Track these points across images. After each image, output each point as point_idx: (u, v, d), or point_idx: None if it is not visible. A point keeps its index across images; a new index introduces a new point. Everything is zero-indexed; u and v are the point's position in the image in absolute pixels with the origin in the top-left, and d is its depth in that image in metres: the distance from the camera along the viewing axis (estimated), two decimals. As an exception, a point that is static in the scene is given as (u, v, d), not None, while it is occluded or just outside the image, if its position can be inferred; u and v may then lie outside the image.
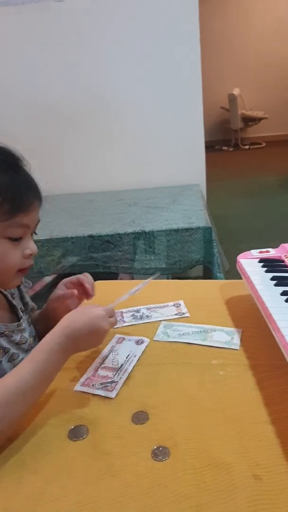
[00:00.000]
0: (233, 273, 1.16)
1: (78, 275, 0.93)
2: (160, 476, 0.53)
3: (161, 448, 0.57)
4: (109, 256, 1.81)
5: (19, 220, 0.71)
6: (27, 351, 0.80)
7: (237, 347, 0.77)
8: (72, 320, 0.69)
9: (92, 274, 1.01)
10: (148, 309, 0.95)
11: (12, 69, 2.33)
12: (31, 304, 0.94)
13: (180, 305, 0.95)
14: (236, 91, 6.40)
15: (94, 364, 0.76)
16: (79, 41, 2.27)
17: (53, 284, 2.31)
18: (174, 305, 0.95)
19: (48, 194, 2.75)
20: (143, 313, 0.93)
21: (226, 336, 0.81)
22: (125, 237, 1.77)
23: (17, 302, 0.86)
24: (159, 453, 0.56)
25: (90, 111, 2.39)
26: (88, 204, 2.25)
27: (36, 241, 1.88)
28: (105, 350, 0.80)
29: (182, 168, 2.42)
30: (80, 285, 0.90)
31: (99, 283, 1.13)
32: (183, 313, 0.91)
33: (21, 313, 0.84)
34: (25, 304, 0.91)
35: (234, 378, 0.69)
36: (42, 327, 0.90)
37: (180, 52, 2.24)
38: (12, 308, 0.84)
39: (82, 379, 0.72)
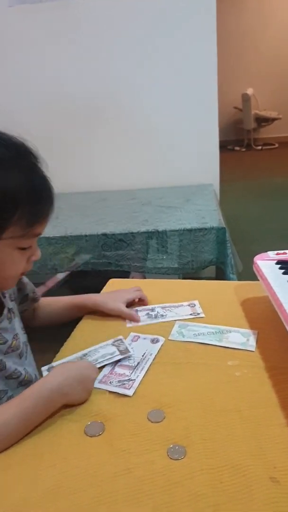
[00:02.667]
0: (246, 274, 1.16)
1: (140, 294, 0.97)
2: (176, 475, 0.53)
3: (177, 447, 0.58)
4: (121, 255, 1.81)
5: (35, 231, 0.67)
6: (5, 353, 0.75)
7: (253, 349, 0.77)
8: (63, 371, 0.68)
9: (104, 272, 1.03)
10: (163, 308, 0.95)
11: (28, 66, 2.35)
12: (32, 294, 0.92)
13: (195, 305, 0.95)
14: (249, 91, 6.37)
15: (114, 358, 0.76)
16: (96, 39, 2.28)
17: (66, 281, 2.33)
18: (189, 305, 0.95)
19: (62, 192, 2.78)
20: (157, 312, 0.94)
21: (242, 338, 0.81)
22: (138, 236, 1.77)
23: (5, 301, 0.80)
24: (175, 452, 0.57)
25: (105, 109, 2.39)
26: (102, 203, 2.26)
27: (50, 238, 1.90)
28: (121, 348, 0.81)
29: (195, 168, 2.41)
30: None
31: (113, 281, 1.14)
32: (198, 313, 0.91)
33: (6, 312, 0.78)
34: (23, 297, 0.89)
35: (250, 380, 0.69)
36: (68, 314, 0.94)
37: (197, 51, 2.23)
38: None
39: (99, 377, 0.72)
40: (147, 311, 0.95)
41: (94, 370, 0.71)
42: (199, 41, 2.21)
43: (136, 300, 0.98)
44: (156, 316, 0.92)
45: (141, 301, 0.98)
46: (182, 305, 0.96)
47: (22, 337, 0.83)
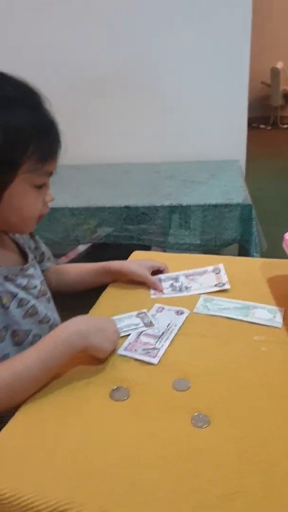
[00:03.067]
0: (270, 255, 1.14)
1: (165, 266, 0.99)
2: (200, 443, 0.54)
3: (201, 416, 0.58)
4: (143, 229, 1.80)
5: (48, 168, 0.70)
6: (37, 297, 0.79)
7: (280, 325, 0.77)
8: (83, 318, 0.70)
9: (125, 246, 1.02)
10: (186, 276, 0.95)
11: (52, 36, 2.29)
12: (48, 253, 0.95)
13: (220, 271, 0.94)
14: (279, 65, 6.14)
15: (138, 330, 0.77)
16: (121, 5, 2.20)
17: (87, 253, 2.34)
18: (213, 271, 0.94)
19: (85, 164, 2.76)
20: (182, 282, 0.93)
21: (268, 314, 0.80)
22: (161, 210, 1.75)
23: (28, 251, 0.84)
24: (199, 420, 0.57)
25: (130, 80, 2.34)
26: (125, 175, 2.24)
27: (73, 209, 1.89)
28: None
29: (222, 143, 2.36)
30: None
31: (137, 253, 1.13)
32: (223, 284, 0.90)
33: (30, 259, 0.82)
34: (41, 254, 0.92)
35: (277, 355, 0.69)
36: (92, 280, 0.95)
37: (230, 20, 2.15)
38: (23, 255, 0.83)
39: (125, 344, 0.73)
40: (171, 281, 0.94)
41: (113, 324, 0.73)
42: (233, 8, 2.12)
43: (161, 269, 0.98)
44: (180, 289, 0.92)
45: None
46: (206, 271, 0.95)
47: (46, 284, 0.86)
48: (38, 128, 0.66)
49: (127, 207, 1.78)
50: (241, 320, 0.79)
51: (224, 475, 0.49)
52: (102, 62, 2.31)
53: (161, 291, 0.91)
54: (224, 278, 0.92)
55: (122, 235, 1.82)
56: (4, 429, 0.58)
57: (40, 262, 0.91)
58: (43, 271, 0.92)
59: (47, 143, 0.68)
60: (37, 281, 0.81)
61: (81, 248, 2.27)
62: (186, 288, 0.92)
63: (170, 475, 0.50)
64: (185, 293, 0.90)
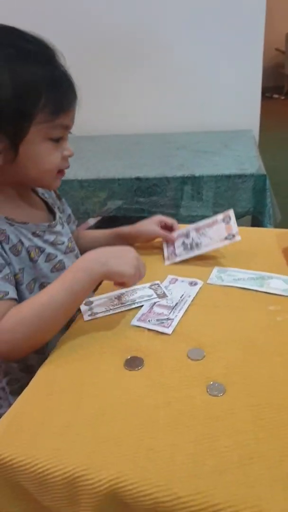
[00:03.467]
0: (284, 226, 1.12)
1: (174, 222, 0.99)
2: (216, 410, 0.54)
3: (216, 384, 0.58)
4: (155, 201, 1.78)
5: (62, 121, 0.71)
6: (65, 253, 0.82)
7: None
8: (102, 249, 0.73)
9: (136, 219, 1.02)
10: (197, 231, 0.94)
11: (58, 3, 2.22)
12: (73, 217, 0.98)
13: (230, 219, 0.92)
14: (295, 31, 5.91)
15: (152, 301, 0.77)
16: None
17: (97, 227, 2.34)
18: (223, 220, 0.93)
19: (95, 135, 2.71)
20: (192, 239, 0.93)
21: (284, 284, 0.79)
22: (172, 181, 1.72)
23: (55, 209, 0.87)
24: (215, 389, 0.57)
25: (140, 48, 2.26)
26: (135, 146, 2.19)
27: (82, 181, 1.87)
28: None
29: (234, 112, 2.29)
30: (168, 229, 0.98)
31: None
32: (233, 236, 0.88)
33: (58, 217, 0.85)
34: (68, 217, 0.95)
35: (292, 325, 0.68)
36: (109, 244, 0.93)
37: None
38: (51, 213, 0.86)
39: (138, 315, 0.73)
40: (182, 239, 0.94)
41: (133, 252, 0.74)
42: None
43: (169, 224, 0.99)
44: (191, 247, 0.91)
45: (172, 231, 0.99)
46: (216, 221, 0.93)
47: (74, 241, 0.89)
48: (49, 81, 0.68)
49: (137, 179, 1.75)
50: (256, 291, 0.78)
51: (240, 441, 0.49)
52: (110, 27, 2.23)
53: (173, 241, 0.93)
54: (234, 227, 0.90)
55: (133, 208, 1.79)
56: (20, 398, 0.59)
57: (66, 224, 0.93)
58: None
59: (59, 96, 0.69)
60: (65, 238, 0.84)
61: (91, 221, 2.26)
62: (197, 245, 0.91)
63: (187, 440, 0.50)
64: (196, 252, 0.90)
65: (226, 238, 0.88)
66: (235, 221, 0.91)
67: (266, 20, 2.17)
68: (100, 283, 0.81)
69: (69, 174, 1.79)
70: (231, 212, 0.93)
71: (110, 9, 2.20)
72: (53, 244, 0.80)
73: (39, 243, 0.78)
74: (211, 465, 0.47)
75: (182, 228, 0.98)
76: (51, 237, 0.80)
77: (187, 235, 0.94)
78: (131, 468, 0.47)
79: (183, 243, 0.93)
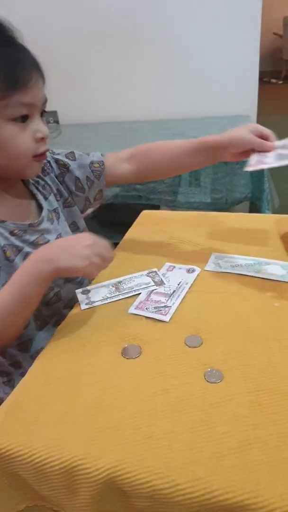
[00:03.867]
0: (282, 211, 1.11)
1: (270, 132, 0.80)
2: (214, 397, 0.54)
3: (214, 371, 0.58)
4: (152, 188, 1.77)
5: (19, 98, 0.66)
6: None
7: None
8: (51, 243, 0.69)
9: (133, 206, 0.99)
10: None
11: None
12: (87, 171, 0.86)
13: None
14: (292, 14, 5.83)
15: (149, 288, 0.76)
16: None
17: (94, 215, 2.32)
18: None
19: (91, 122, 2.69)
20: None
21: (281, 270, 0.78)
22: (170, 168, 1.71)
23: (46, 203, 0.81)
24: (213, 376, 0.57)
25: (135, 32, 2.23)
26: (132, 133, 2.17)
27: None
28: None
29: (232, 98, 2.26)
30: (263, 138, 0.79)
31: (145, 213, 1.11)
32: None
33: (45, 213, 0.79)
34: (70, 192, 0.86)
35: (290, 310, 0.68)
36: (181, 161, 0.85)
37: None
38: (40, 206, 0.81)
39: (135, 303, 0.72)
40: (277, 151, 0.78)
41: (86, 238, 0.67)
42: None
43: (263, 133, 0.80)
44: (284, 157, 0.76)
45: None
46: None
47: (65, 232, 0.83)
48: (1, 60, 0.64)
49: (134, 166, 1.73)
50: (253, 277, 0.77)
51: (238, 427, 0.49)
52: (105, 10, 2.19)
53: (270, 150, 0.77)
54: None
55: (130, 195, 1.78)
56: (18, 387, 0.58)
57: (91, 187, 0.87)
58: (100, 191, 0.88)
59: (11, 71, 0.64)
60: (52, 236, 0.79)
61: (88, 210, 2.24)
62: None
63: (185, 427, 0.50)
64: (286, 161, 0.74)
65: None
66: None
67: (264, 5, 2.13)
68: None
69: (65, 163, 1.78)
70: None
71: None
72: (33, 244, 0.75)
73: (17, 242, 0.73)
74: (209, 451, 0.47)
75: (281, 140, 0.81)
76: (32, 237, 0.76)
77: (284, 147, 0.79)
78: (129, 456, 0.47)
79: (278, 154, 0.77)
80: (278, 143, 0.80)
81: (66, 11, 2.21)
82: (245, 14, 2.11)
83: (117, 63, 2.31)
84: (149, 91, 2.35)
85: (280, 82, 6.40)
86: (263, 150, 0.77)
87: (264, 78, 6.29)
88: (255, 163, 0.77)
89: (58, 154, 0.86)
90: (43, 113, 0.73)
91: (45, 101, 0.72)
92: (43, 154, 0.73)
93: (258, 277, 0.77)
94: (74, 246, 0.65)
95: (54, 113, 2.37)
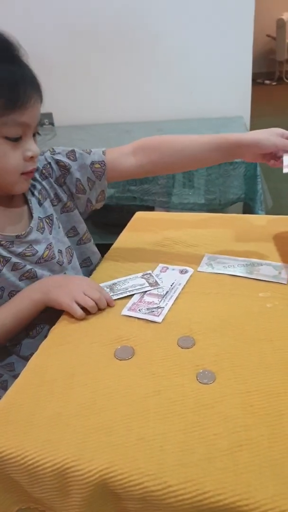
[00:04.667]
0: (276, 211, 1.12)
1: None
2: (206, 398, 0.54)
3: (206, 372, 0.58)
4: (146, 189, 1.77)
5: (16, 118, 0.66)
6: (37, 263, 0.77)
7: (285, 282, 0.75)
8: (52, 277, 0.78)
9: (128, 207, 0.99)
10: None
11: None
12: (88, 172, 0.84)
13: None
14: (286, 16, 5.85)
15: (144, 289, 0.76)
16: None
17: (89, 217, 2.32)
18: None
19: (85, 124, 2.68)
20: None
21: (274, 271, 0.79)
22: (164, 169, 1.71)
23: (39, 210, 0.80)
24: (205, 377, 0.57)
25: (129, 34, 2.23)
26: (126, 135, 2.17)
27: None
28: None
29: (225, 99, 2.27)
30: None
31: (139, 214, 1.11)
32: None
33: (32, 225, 0.78)
34: (88, 176, 0.83)
35: (282, 311, 0.68)
36: (196, 155, 0.82)
37: None
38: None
39: (128, 304, 0.73)
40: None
41: (79, 281, 0.75)
42: None
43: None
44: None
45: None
46: None
47: (61, 245, 0.83)
48: (3, 79, 0.65)
49: (129, 168, 1.73)
50: (245, 278, 0.78)
51: (230, 428, 0.49)
52: (98, 13, 2.19)
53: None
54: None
55: (125, 196, 1.78)
56: (10, 390, 0.58)
57: (92, 188, 0.85)
58: (102, 191, 0.87)
59: (11, 91, 0.65)
60: (41, 247, 0.78)
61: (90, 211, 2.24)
62: None
63: (177, 429, 0.50)
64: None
65: None
66: None
67: (257, 7, 2.14)
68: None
69: (60, 164, 1.77)
70: None
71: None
72: (20, 255, 0.76)
73: (4, 253, 0.74)
74: (201, 453, 0.47)
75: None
76: (19, 249, 0.76)
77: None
78: (121, 458, 0.47)
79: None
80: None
81: (61, 13, 2.21)
82: (238, 16, 2.12)
83: (111, 65, 2.31)
84: (143, 92, 2.35)
85: (274, 83, 6.42)
86: None
87: (258, 79, 6.32)
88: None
89: (58, 153, 0.84)
90: (35, 132, 0.73)
91: (39, 121, 0.73)
92: (31, 172, 0.74)
93: (250, 278, 0.77)
94: (67, 285, 0.73)
95: (49, 115, 2.36)
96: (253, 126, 2.38)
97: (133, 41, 2.24)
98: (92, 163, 0.85)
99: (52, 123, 2.37)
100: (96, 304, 0.71)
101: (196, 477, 0.44)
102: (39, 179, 0.82)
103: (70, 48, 2.26)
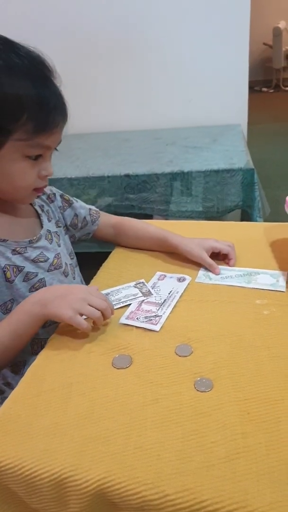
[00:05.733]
0: (273, 218, 1.13)
1: (229, 250, 0.87)
2: (204, 406, 0.54)
3: (204, 380, 0.58)
4: (145, 198, 1.78)
5: (41, 141, 0.68)
6: (48, 270, 0.79)
7: (283, 289, 0.76)
8: (49, 288, 0.74)
9: (126, 215, 1.00)
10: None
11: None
12: (94, 215, 0.94)
13: (280, 277, 0.80)
14: (282, 25, 5.90)
15: (137, 299, 0.76)
16: None
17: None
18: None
19: (84, 132, 2.70)
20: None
21: (271, 279, 0.79)
22: (162, 177, 1.72)
23: (48, 225, 0.84)
24: (202, 385, 0.57)
25: (127, 43, 2.25)
26: (125, 143, 2.19)
27: (72, 179, 1.86)
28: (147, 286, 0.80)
29: (223, 107, 2.29)
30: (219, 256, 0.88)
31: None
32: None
33: (44, 231, 0.82)
34: (82, 220, 0.91)
35: (279, 318, 0.69)
36: (147, 246, 0.94)
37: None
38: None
39: (126, 313, 0.73)
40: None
41: (80, 291, 0.70)
42: None
43: (222, 252, 0.87)
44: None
45: (226, 259, 0.87)
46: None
47: (66, 259, 0.86)
48: (35, 98, 0.65)
49: (127, 176, 1.74)
50: (243, 287, 0.78)
51: (227, 436, 0.49)
52: (96, 23, 2.22)
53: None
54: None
55: (123, 205, 1.79)
56: (8, 399, 0.58)
57: (83, 227, 0.93)
58: (88, 233, 0.95)
59: (43, 115, 0.66)
60: (51, 254, 0.81)
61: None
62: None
63: (175, 437, 0.50)
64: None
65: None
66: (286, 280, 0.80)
67: (254, 16, 2.16)
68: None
69: (59, 173, 1.79)
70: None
71: (97, 7, 2.19)
72: (34, 261, 0.77)
73: (18, 261, 0.75)
74: (198, 461, 0.47)
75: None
76: (34, 254, 0.78)
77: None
78: (119, 467, 0.47)
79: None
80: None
81: (60, 23, 2.23)
82: (234, 25, 2.14)
83: (110, 74, 2.33)
84: (141, 101, 2.37)
85: (271, 91, 6.47)
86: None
87: (255, 87, 6.36)
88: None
89: (62, 193, 0.93)
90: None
91: (59, 142, 0.74)
92: (41, 188, 0.76)
93: (248, 288, 0.78)
94: (67, 296, 0.68)
95: (47, 124, 2.38)
96: (251, 133, 2.40)
97: (131, 50, 2.27)
98: (90, 209, 0.95)
99: (50, 132, 2.38)
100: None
101: (194, 486, 0.44)
102: (47, 201, 0.88)
103: (70, 57, 2.28)
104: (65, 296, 0.68)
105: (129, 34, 2.23)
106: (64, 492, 0.47)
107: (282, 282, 0.77)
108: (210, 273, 0.84)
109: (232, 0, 2.09)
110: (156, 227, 0.94)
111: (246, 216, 1.70)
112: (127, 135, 2.30)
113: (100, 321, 0.68)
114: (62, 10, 2.21)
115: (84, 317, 0.67)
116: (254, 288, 0.77)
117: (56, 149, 0.75)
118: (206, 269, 0.85)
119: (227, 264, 0.86)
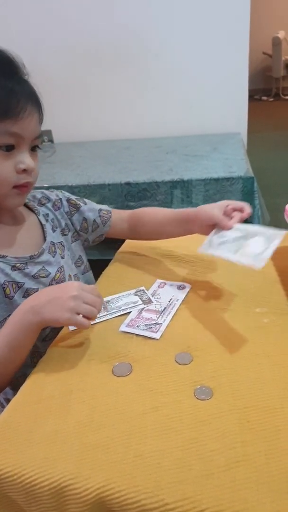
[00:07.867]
0: (273, 226, 1.12)
1: (245, 205, 0.82)
2: (204, 414, 0.54)
3: (204, 388, 0.58)
4: (145, 205, 1.78)
5: (8, 127, 0.66)
6: (49, 285, 0.77)
7: (262, 263, 0.67)
8: (39, 292, 0.68)
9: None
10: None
11: (47, 8, 2.23)
12: (104, 217, 0.91)
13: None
14: (281, 34, 5.95)
15: (138, 307, 0.77)
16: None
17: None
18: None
19: (85, 141, 2.72)
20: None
21: (262, 246, 0.71)
22: (162, 185, 1.73)
23: (52, 236, 0.82)
24: (202, 393, 0.57)
25: (128, 52, 2.28)
26: (125, 151, 2.20)
27: (73, 187, 1.87)
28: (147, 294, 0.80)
29: (223, 116, 2.31)
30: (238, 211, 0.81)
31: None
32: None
33: (45, 246, 0.80)
34: (93, 224, 0.90)
35: (278, 326, 0.69)
36: (170, 230, 0.90)
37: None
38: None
39: (126, 321, 0.73)
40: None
41: (72, 289, 0.65)
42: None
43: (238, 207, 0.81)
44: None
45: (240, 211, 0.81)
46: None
47: (70, 270, 0.85)
48: None
49: (127, 184, 1.75)
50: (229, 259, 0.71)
51: (227, 445, 0.49)
52: (98, 32, 2.25)
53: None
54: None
55: (124, 212, 1.80)
56: (8, 408, 0.58)
57: (94, 230, 0.92)
58: (101, 235, 0.94)
59: (5, 100, 0.65)
60: (53, 269, 0.79)
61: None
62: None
63: (174, 446, 0.50)
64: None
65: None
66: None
67: (254, 25, 2.19)
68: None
69: (60, 180, 1.80)
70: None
71: (98, 16, 2.22)
72: (35, 277, 0.76)
73: (18, 277, 0.74)
74: (198, 469, 0.47)
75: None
76: (34, 269, 0.76)
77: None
78: (118, 476, 0.47)
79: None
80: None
81: (62, 32, 2.26)
82: (234, 35, 2.17)
83: (111, 83, 2.36)
84: (142, 110, 2.39)
85: (271, 99, 6.52)
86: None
87: (255, 95, 6.41)
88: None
89: (69, 195, 0.91)
90: (35, 147, 0.73)
91: (38, 136, 0.72)
92: (24, 186, 0.71)
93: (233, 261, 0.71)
94: (60, 297, 0.64)
95: (48, 132, 2.40)
96: (251, 141, 2.42)
97: (132, 59, 2.29)
98: (100, 209, 0.93)
99: (51, 140, 2.40)
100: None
101: (193, 495, 0.44)
102: (52, 209, 0.86)
103: (70, 65, 2.31)
104: (58, 298, 0.64)
105: (129, 43, 2.26)
106: (63, 500, 0.47)
107: (268, 252, 0.70)
108: (214, 238, 0.77)
109: (232, 10, 2.12)
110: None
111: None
112: (127, 143, 2.32)
113: (95, 317, 0.66)
114: (63, 20, 2.24)
115: (81, 315, 0.64)
116: (237, 261, 0.70)
117: (38, 147, 0.73)
118: (215, 232, 0.78)
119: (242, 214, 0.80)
